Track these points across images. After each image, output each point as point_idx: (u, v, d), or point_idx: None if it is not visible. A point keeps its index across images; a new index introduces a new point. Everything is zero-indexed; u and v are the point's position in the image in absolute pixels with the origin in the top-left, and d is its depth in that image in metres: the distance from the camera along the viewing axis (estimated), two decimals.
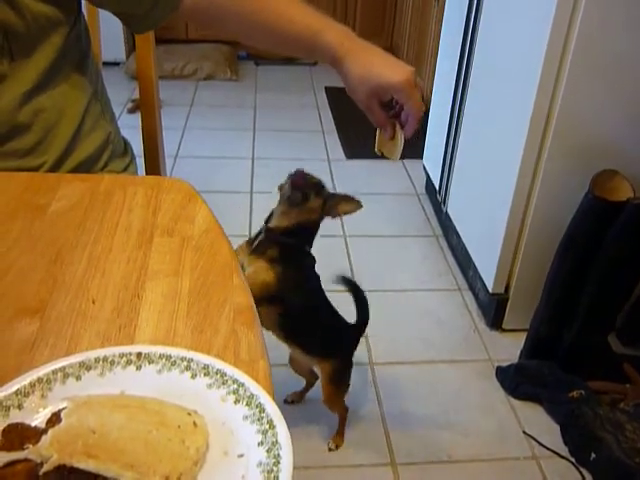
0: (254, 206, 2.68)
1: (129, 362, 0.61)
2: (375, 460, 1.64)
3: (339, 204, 1.38)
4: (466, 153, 2.30)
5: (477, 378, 1.92)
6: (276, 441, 0.54)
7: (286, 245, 1.38)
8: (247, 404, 0.57)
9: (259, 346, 0.66)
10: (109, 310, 0.70)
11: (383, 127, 0.99)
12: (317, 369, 1.62)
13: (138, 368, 0.61)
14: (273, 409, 0.56)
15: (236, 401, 0.58)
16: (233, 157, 3.10)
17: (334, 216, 1.39)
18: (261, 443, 0.54)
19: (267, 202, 2.69)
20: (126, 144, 1.25)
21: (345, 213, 1.38)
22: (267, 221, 1.42)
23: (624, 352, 1.91)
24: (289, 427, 0.55)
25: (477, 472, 1.64)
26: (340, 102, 3.72)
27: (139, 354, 0.61)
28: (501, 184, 1.92)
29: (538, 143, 1.77)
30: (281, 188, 1.41)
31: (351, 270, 2.31)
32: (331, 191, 1.42)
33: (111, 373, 0.60)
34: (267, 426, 0.55)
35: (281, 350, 1.56)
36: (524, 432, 1.72)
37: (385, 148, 1.02)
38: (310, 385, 1.74)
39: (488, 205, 2.06)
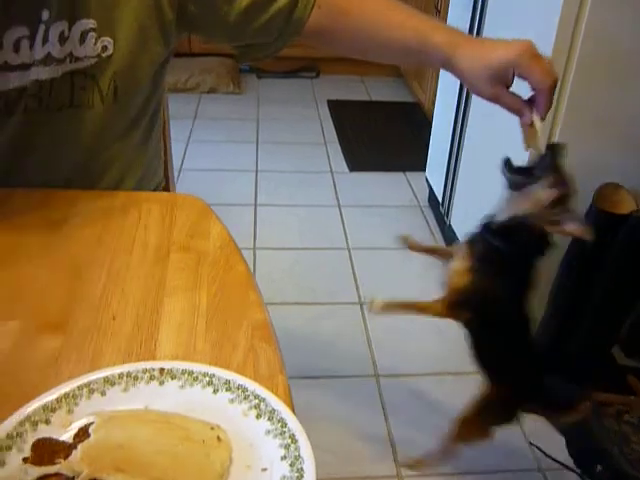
0: (258, 218, 2.70)
1: (152, 378, 0.62)
2: (382, 472, 1.65)
3: None
4: (469, 165, 2.32)
5: None
6: (299, 455, 0.55)
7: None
8: (269, 419, 0.59)
9: (277, 361, 0.67)
10: (130, 326, 0.72)
11: (519, 112, 0.89)
12: None
13: (161, 383, 0.62)
14: (295, 424, 0.58)
15: (258, 416, 0.59)
16: (237, 169, 3.12)
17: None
18: (284, 457, 0.55)
19: (271, 214, 2.73)
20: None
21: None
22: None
23: (628, 364, 1.91)
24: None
25: None
26: (342, 114, 3.75)
27: (162, 370, 0.63)
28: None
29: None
30: None
31: (355, 282, 2.33)
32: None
33: (135, 388, 0.61)
34: (289, 440, 0.56)
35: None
36: (530, 443, 1.73)
37: (532, 141, 0.93)
38: None
39: None
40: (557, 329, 1.86)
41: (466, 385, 1.92)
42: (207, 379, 0.62)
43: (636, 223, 1.64)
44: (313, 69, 4.23)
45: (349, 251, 2.51)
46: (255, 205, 2.80)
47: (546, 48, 1.68)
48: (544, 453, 1.70)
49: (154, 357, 0.68)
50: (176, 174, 2.96)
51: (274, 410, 0.59)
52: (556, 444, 1.73)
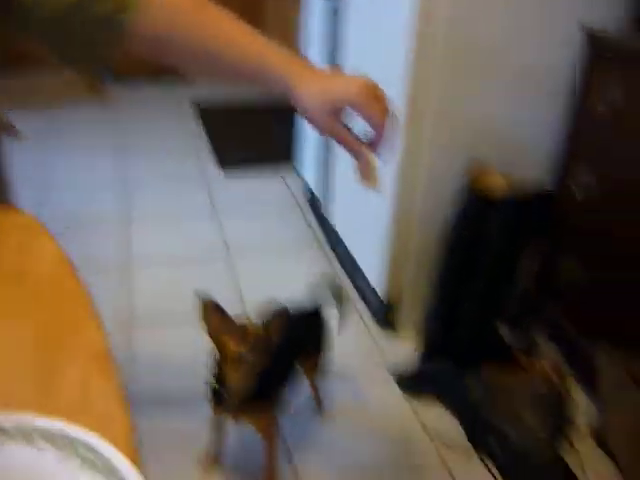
0: (133, 233, 2.54)
1: None
2: None
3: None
4: (344, 158, 2.27)
5: (376, 385, 1.88)
6: None
7: None
8: (103, 471, 0.48)
9: (116, 397, 0.57)
10: None
11: (353, 150, 0.89)
12: None
13: None
14: (129, 472, 0.47)
15: (91, 467, 0.48)
16: (104, 184, 2.94)
17: None
18: None
19: (146, 228, 2.58)
20: None
21: None
22: None
23: (515, 342, 1.93)
24: None
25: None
26: (212, 119, 3.64)
27: None
28: (381, 187, 1.91)
29: (416, 135, 1.77)
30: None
31: (239, 288, 2.22)
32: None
33: None
34: None
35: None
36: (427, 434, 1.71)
37: (367, 180, 0.93)
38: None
39: (371, 211, 2.03)
40: (444, 315, 1.85)
41: (359, 380, 1.88)
42: (25, 434, 0.50)
43: (508, 205, 1.66)
44: (176, 72, 4.08)
45: (230, 258, 2.41)
46: (128, 219, 2.64)
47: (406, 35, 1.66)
48: (443, 442, 1.69)
49: None
50: (38, 194, 2.75)
51: (108, 460, 0.48)
52: (454, 430, 1.72)
